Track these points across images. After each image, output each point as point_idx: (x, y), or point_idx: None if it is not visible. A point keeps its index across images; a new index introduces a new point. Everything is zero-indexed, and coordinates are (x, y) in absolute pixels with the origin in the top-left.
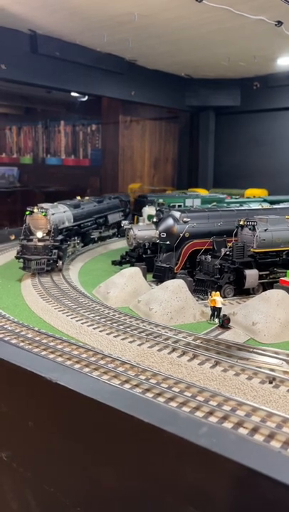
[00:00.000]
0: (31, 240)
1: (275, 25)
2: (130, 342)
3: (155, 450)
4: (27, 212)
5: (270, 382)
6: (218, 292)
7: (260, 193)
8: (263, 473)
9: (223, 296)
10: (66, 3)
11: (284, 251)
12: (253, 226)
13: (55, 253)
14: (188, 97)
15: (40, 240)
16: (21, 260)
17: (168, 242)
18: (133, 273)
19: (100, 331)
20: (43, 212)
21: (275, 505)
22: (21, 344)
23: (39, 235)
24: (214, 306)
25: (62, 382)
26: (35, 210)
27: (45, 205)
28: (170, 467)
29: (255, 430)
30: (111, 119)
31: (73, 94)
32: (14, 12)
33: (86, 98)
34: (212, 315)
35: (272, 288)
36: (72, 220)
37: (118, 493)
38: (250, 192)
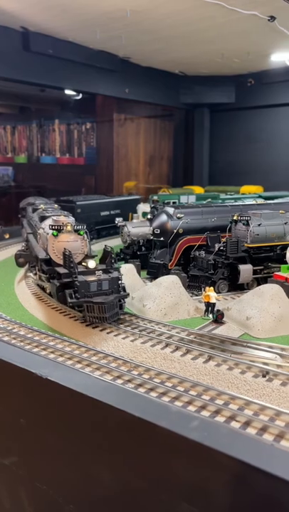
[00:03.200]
0: (89, 273)
1: (268, 20)
2: (123, 338)
3: (147, 445)
4: (54, 233)
5: (264, 376)
6: (212, 288)
7: (256, 189)
8: (256, 466)
9: (218, 292)
10: (58, 0)
11: (278, 246)
12: (247, 221)
13: (123, 287)
14: (183, 95)
15: (105, 272)
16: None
17: (162, 239)
18: (127, 270)
19: (92, 328)
20: (80, 230)
21: (268, 498)
22: (13, 341)
23: (91, 264)
24: (208, 302)
25: (53, 377)
26: (69, 227)
27: (66, 219)
28: (162, 462)
29: (247, 424)
30: (105, 117)
31: (67, 92)
32: (6, 9)
33: (80, 96)
34: (206, 310)
35: (266, 283)
36: None
37: (111, 489)
38: (245, 189)
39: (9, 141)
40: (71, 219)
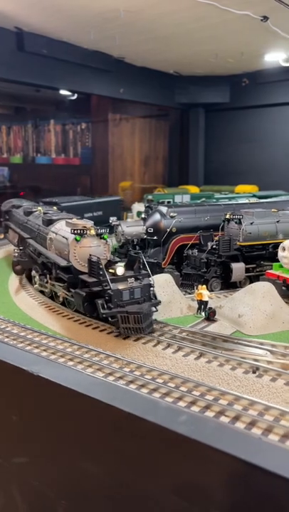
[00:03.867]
0: (118, 281)
1: (261, 20)
2: (116, 336)
3: (136, 439)
4: (77, 238)
5: (254, 372)
6: (204, 286)
7: (251, 189)
8: (244, 460)
9: (210, 290)
10: (52, 0)
11: (270, 244)
12: (239, 220)
13: (154, 294)
14: (178, 94)
15: (136, 279)
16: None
17: (155, 238)
18: None
19: (86, 326)
20: (104, 234)
21: (256, 490)
22: (6, 340)
23: (120, 271)
24: (201, 300)
25: (44, 374)
26: (92, 231)
27: (86, 222)
28: (151, 456)
29: (237, 418)
30: (100, 118)
31: (62, 92)
32: (0, 10)
33: (75, 96)
34: (199, 308)
35: (258, 281)
36: None
37: (101, 484)
38: (240, 188)
39: (4, 142)
40: (91, 222)
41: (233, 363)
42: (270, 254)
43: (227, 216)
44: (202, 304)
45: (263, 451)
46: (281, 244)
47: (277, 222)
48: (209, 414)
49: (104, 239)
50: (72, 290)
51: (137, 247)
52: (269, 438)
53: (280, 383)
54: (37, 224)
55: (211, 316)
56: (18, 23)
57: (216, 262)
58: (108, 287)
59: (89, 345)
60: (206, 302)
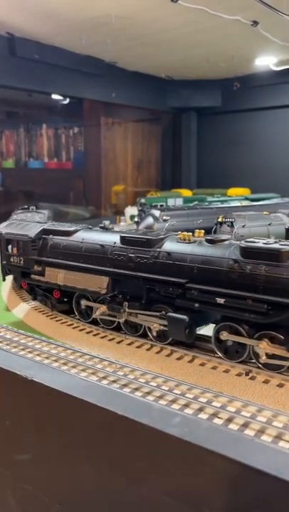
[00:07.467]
0: None
1: (251, 25)
2: (109, 340)
3: (130, 441)
4: None
5: (247, 374)
6: None
7: (243, 192)
8: (236, 460)
9: None
10: (43, 6)
11: None
12: (231, 222)
13: None
14: (170, 98)
15: None
16: None
17: None
18: None
19: (79, 330)
20: None
21: (248, 490)
22: None
23: None
24: None
25: (38, 379)
26: None
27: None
28: (145, 457)
29: (230, 420)
30: (93, 122)
31: (54, 97)
32: None
33: (68, 101)
34: None
35: None
36: None
37: (95, 486)
38: (232, 191)
39: None
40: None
41: (226, 365)
42: None
43: (219, 219)
44: None
45: (255, 451)
46: None
47: (269, 224)
48: (202, 416)
49: None
50: None
51: None
52: (261, 439)
53: (273, 384)
54: (227, 258)
55: None
56: (10, 28)
57: None
58: None
59: (83, 350)
60: None
